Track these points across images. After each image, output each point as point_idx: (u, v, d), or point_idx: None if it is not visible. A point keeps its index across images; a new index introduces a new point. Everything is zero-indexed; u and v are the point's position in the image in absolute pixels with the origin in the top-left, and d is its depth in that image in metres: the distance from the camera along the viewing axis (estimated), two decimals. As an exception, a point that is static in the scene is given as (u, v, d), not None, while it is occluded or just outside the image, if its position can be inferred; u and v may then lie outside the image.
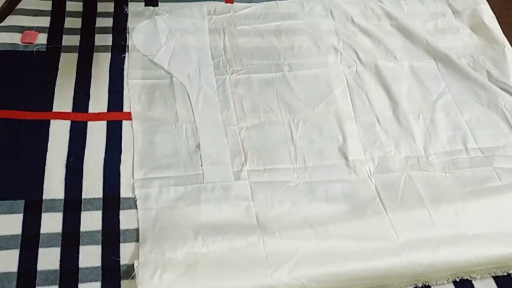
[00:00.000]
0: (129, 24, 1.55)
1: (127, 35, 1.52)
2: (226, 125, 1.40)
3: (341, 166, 1.37)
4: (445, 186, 1.34)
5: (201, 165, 1.32)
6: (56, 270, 1.11)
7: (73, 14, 1.58)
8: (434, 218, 1.26)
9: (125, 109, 1.40)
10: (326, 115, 1.46)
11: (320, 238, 1.20)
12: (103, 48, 1.51)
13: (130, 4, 1.49)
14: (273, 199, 1.27)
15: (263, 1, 1.71)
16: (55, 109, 1.36)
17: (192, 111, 1.42)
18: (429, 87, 1.56)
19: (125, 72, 1.46)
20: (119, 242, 1.17)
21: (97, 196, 1.23)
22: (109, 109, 1.39)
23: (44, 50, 1.48)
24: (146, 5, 1.65)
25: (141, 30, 1.58)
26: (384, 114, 1.49)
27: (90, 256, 1.14)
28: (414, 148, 1.42)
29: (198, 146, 1.35)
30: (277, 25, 1.64)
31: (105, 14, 1.57)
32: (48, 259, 1.12)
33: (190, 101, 1.44)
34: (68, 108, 1.37)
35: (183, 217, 1.23)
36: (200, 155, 1.33)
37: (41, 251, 1.13)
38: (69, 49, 1.50)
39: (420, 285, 1.18)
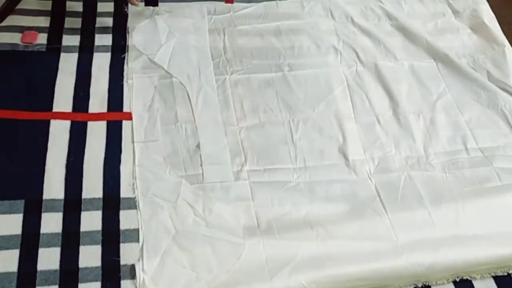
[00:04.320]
0: (129, 24, 1.54)
1: (127, 35, 1.51)
2: (226, 125, 1.40)
3: (341, 166, 1.36)
4: (445, 186, 1.34)
5: (201, 165, 1.31)
6: (56, 270, 1.11)
7: (73, 14, 1.57)
8: (434, 218, 1.26)
9: (125, 109, 1.39)
10: (326, 115, 1.45)
11: (320, 239, 1.20)
12: (103, 48, 1.50)
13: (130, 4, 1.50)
14: (273, 199, 1.27)
15: (263, 1, 1.70)
16: (55, 109, 1.36)
17: (192, 111, 1.41)
18: (429, 87, 1.56)
19: (125, 73, 1.46)
20: (119, 242, 1.16)
21: (97, 196, 1.23)
22: (109, 109, 1.38)
23: (44, 50, 1.47)
24: (146, 5, 1.65)
25: (141, 30, 1.57)
26: (384, 114, 1.48)
27: (90, 256, 1.13)
28: (414, 148, 1.42)
29: (198, 146, 1.35)
30: (277, 25, 1.64)
31: (105, 14, 1.57)
32: (48, 259, 1.12)
33: (190, 101, 1.43)
34: (68, 108, 1.36)
35: (182, 217, 1.22)
36: (200, 155, 1.33)
37: (41, 251, 1.13)
38: (69, 49, 1.49)
39: (420, 285, 1.17)
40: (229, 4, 1.69)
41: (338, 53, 1.61)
